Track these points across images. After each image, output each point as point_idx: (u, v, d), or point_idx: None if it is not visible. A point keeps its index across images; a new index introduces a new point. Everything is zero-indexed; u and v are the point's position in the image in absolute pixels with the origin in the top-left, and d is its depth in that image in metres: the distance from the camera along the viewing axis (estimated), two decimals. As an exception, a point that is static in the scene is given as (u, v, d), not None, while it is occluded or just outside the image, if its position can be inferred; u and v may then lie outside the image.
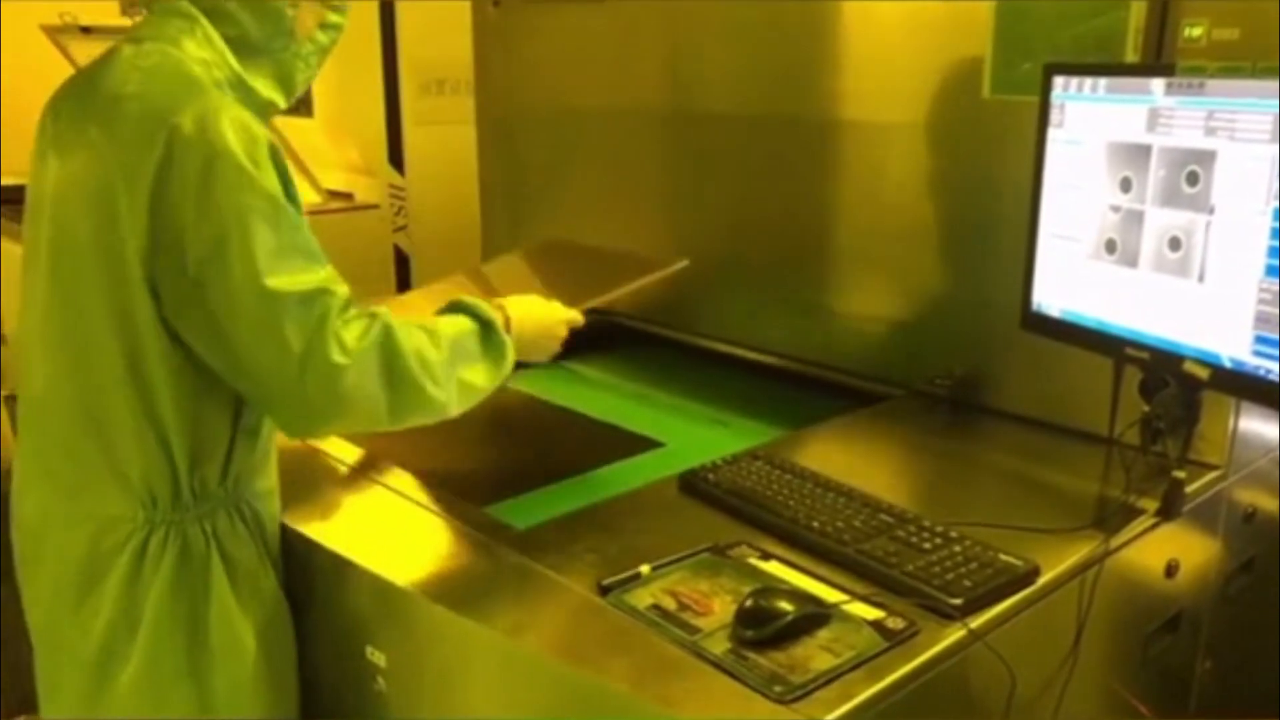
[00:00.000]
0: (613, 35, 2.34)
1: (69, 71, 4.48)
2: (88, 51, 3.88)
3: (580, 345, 2.41)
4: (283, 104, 1.44)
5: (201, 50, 1.32)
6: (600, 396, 2.12)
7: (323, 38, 1.44)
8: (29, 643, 1.61)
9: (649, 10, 2.25)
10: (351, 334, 1.28)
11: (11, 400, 3.99)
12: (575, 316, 1.66)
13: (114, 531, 1.33)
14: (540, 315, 1.60)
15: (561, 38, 2.47)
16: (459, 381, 1.39)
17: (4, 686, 1.70)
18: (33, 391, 1.37)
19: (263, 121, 1.34)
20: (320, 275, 1.28)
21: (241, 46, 1.36)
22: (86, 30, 3.75)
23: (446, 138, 3.18)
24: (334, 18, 1.45)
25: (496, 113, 2.71)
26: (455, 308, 1.47)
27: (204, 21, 1.33)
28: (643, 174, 2.37)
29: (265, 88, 1.39)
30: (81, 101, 1.32)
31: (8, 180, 3.94)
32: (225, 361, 1.28)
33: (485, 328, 1.45)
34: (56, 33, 3.82)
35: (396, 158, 3.40)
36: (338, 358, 1.26)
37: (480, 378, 1.43)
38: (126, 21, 3.70)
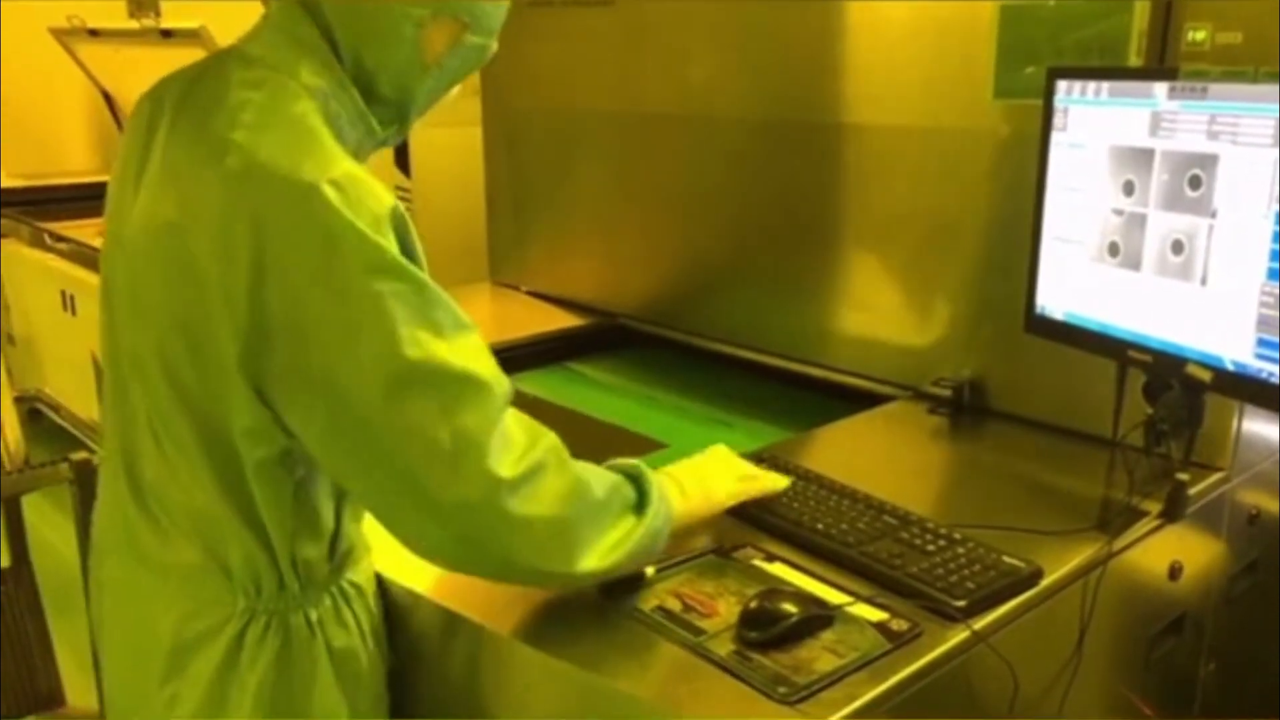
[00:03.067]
0: (619, 38, 2.35)
1: (73, 73, 4.47)
2: (95, 54, 3.88)
3: (583, 347, 2.44)
4: (394, 142, 1.24)
5: (318, 78, 1.10)
6: (603, 398, 2.12)
7: (453, 61, 1.17)
8: (34, 643, 1.62)
9: (655, 13, 2.26)
10: (520, 434, 1.09)
11: (20, 401, 4.01)
12: (775, 483, 1.44)
13: (207, 616, 1.17)
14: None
15: (568, 40, 2.47)
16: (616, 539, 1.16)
17: (4, 687, 1.70)
18: (109, 446, 1.23)
19: (363, 160, 1.15)
20: (483, 357, 1.09)
21: (359, 74, 1.14)
22: (94, 33, 3.75)
23: (453, 140, 3.18)
24: (472, 38, 1.16)
25: (503, 115, 2.72)
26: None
27: (323, 45, 1.11)
28: (648, 177, 2.37)
29: (382, 124, 1.18)
30: (192, 124, 1.09)
31: (8, 181, 3.95)
32: (352, 465, 1.09)
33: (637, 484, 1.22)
34: (64, 35, 3.81)
35: (402, 160, 3.40)
36: (501, 466, 1.05)
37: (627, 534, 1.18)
38: (134, 24, 3.70)
